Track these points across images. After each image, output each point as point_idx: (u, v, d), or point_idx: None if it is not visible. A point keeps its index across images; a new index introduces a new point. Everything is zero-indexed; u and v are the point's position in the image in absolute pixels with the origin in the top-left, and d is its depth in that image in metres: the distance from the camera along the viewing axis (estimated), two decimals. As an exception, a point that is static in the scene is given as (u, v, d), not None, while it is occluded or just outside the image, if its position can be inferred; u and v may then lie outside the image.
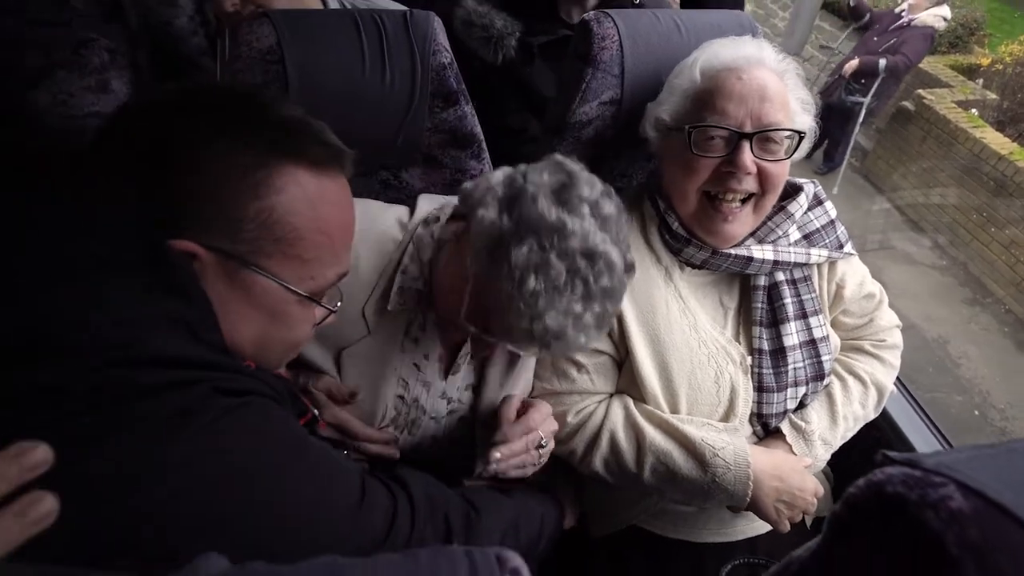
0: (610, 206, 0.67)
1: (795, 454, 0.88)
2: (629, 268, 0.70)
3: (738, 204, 0.81)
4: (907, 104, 4.63)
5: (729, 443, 0.83)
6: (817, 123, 0.84)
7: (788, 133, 0.79)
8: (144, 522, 0.38)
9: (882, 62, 3.95)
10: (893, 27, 4.06)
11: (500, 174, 0.69)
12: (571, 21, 1.24)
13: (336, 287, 0.59)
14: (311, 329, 0.58)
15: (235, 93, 0.53)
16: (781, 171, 0.81)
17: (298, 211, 0.50)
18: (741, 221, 0.82)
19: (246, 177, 0.47)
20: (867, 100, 4.10)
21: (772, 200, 0.83)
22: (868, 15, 4.41)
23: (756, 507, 0.84)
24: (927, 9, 3.97)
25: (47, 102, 1.95)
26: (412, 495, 0.58)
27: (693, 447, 0.82)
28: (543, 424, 0.79)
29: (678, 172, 0.83)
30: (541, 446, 0.78)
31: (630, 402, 0.87)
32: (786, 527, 0.85)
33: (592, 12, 0.91)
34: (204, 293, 0.46)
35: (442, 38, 0.86)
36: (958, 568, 0.28)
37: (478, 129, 0.94)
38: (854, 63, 4.02)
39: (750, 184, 0.79)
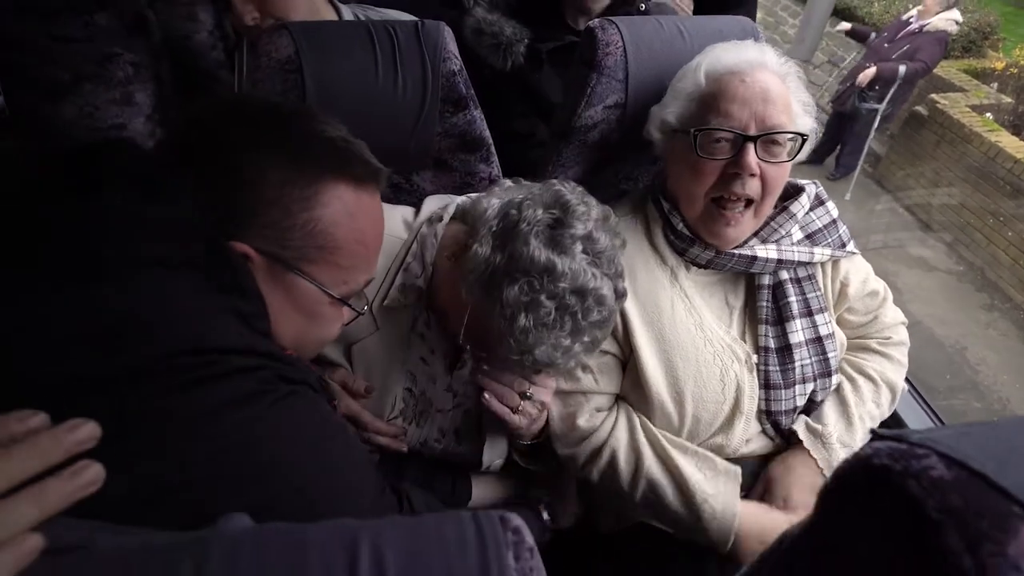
0: (604, 238, 0.69)
1: (814, 459, 0.88)
2: (621, 296, 0.73)
3: (741, 209, 0.83)
4: (920, 109, 4.60)
5: (721, 493, 0.83)
6: (819, 124, 0.85)
7: (791, 135, 0.80)
8: (192, 495, 0.40)
9: (902, 68, 3.95)
10: (903, 33, 4.05)
11: (496, 203, 0.72)
12: (578, 28, 1.27)
13: (363, 291, 0.62)
14: (339, 327, 0.62)
15: (287, 111, 0.57)
16: (782, 174, 0.82)
17: (339, 223, 0.54)
18: (743, 225, 0.84)
19: (298, 191, 0.51)
20: (882, 107, 4.09)
21: (771, 203, 0.84)
22: (871, 35, 4.43)
23: (735, 559, 0.84)
24: (938, 14, 3.95)
25: (73, 115, 2.03)
26: (413, 504, 0.62)
27: (686, 487, 0.83)
28: (539, 385, 0.82)
29: (685, 174, 0.84)
30: (526, 396, 0.80)
31: (637, 423, 0.88)
32: None
33: (597, 19, 0.94)
34: (259, 290, 0.49)
35: (452, 46, 0.89)
36: (940, 532, 0.29)
37: (487, 133, 0.97)
38: (871, 71, 4.00)
39: (754, 187, 0.80)
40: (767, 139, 0.79)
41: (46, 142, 1.99)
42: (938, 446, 0.31)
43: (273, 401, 0.43)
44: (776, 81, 0.81)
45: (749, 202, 0.82)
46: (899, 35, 4.06)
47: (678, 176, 0.87)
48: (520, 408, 0.80)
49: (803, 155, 0.84)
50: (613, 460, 0.86)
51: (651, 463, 0.85)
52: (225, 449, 0.40)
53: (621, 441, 0.86)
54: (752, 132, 0.78)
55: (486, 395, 0.78)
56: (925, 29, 3.98)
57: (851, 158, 4.50)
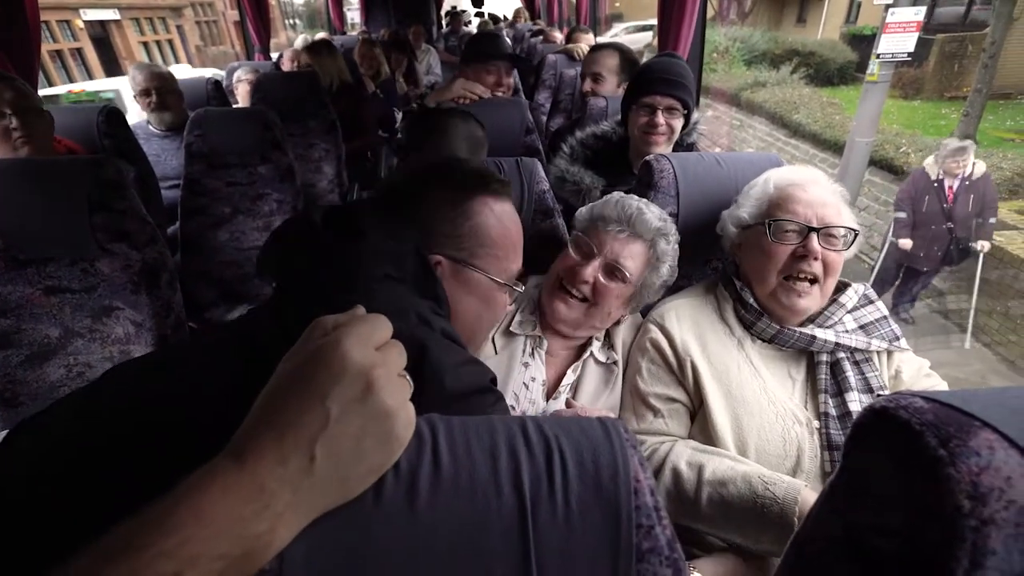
0: None
1: None
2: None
3: (808, 284, 0.99)
4: (974, 245, 4.67)
5: (784, 480, 0.88)
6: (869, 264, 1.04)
7: (845, 230, 0.98)
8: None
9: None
10: (960, 188, 4.24)
11: None
12: (641, 173, 1.57)
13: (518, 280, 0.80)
14: (504, 311, 0.79)
15: (452, 160, 0.81)
16: (839, 261, 0.99)
17: (492, 224, 0.74)
18: (811, 298, 0.99)
19: (460, 208, 0.72)
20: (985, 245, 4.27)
21: (831, 284, 1.00)
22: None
23: None
24: (963, 166, 4.24)
25: (225, 239, 2.55)
26: None
27: (748, 478, 0.89)
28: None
29: (759, 258, 1.02)
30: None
31: (696, 444, 0.97)
32: None
33: (651, 155, 1.23)
34: (446, 294, 0.67)
35: (542, 173, 1.19)
36: (921, 437, 0.42)
37: (567, 236, 1.22)
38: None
39: (818, 268, 0.98)
40: (826, 232, 0.98)
41: (206, 259, 2.46)
42: (918, 393, 0.46)
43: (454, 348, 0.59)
44: (829, 193, 1.01)
45: (813, 281, 0.99)
46: (954, 193, 4.24)
47: (753, 261, 1.04)
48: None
49: (855, 248, 1.02)
50: (676, 474, 0.93)
51: (714, 466, 0.91)
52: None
53: (682, 457, 0.94)
54: (815, 224, 0.97)
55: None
56: (974, 178, 4.22)
57: (906, 296, 4.53)
